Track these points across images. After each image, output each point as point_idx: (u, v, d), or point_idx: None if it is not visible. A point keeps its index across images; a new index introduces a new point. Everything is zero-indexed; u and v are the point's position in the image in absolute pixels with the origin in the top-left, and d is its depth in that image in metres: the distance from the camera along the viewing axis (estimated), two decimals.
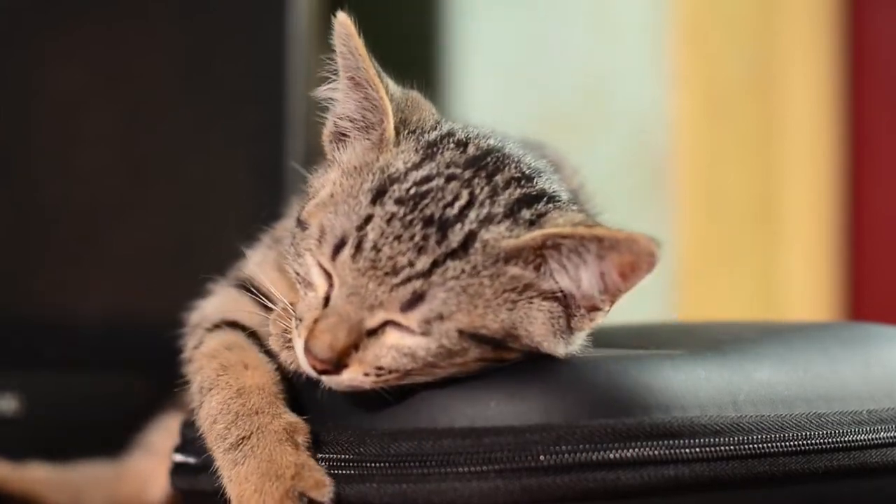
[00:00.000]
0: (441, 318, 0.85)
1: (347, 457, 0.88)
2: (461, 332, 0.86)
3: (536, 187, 0.91)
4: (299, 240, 0.91)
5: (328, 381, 0.88)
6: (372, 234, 0.86)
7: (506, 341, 0.87)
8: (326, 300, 0.88)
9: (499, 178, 0.90)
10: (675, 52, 2.18)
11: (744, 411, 0.90)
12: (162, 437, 1.27)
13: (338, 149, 0.95)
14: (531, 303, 0.88)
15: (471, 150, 0.92)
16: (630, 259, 0.86)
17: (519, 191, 0.90)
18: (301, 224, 0.92)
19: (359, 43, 0.92)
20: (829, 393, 0.95)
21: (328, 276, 0.88)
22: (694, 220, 2.20)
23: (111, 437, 1.34)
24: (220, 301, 1.03)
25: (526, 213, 0.89)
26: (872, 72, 2.36)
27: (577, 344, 0.91)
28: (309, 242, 0.90)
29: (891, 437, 0.94)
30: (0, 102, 1.57)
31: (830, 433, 0.92)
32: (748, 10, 2.26)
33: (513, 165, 0.92)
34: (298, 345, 0.88)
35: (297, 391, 0.93)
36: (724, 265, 2.24)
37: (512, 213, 0.88)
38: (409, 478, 0.87)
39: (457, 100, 2.20)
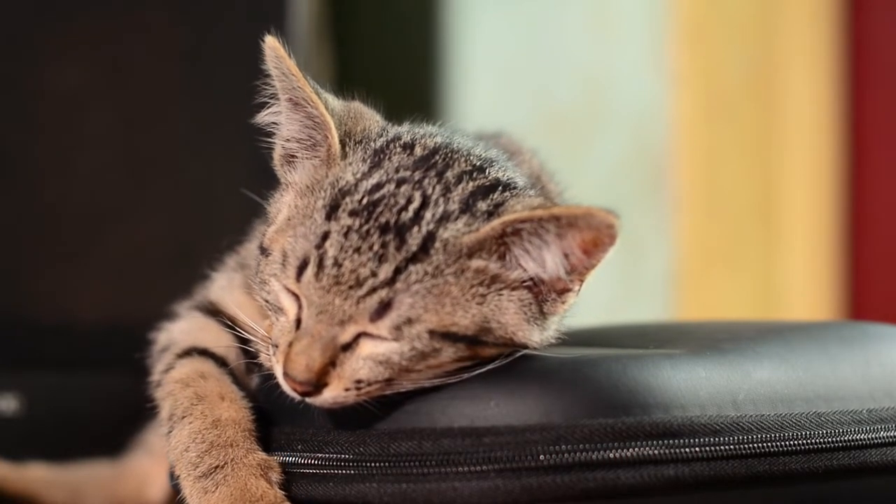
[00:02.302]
0: (410, 321, 0.85)
1: (347, 456, 0.88)
2: (432, 333, 0.86)
3: (489, 177, 0.91)
4: (263, 266, 0.91)
5: (312, 401, 0.88)
6: (331, 250, 0.86)
7: (479, 336, 0.87)
8: (298, 322, 0.88)
9: (449, 175, 0.90)
10: (675, 52, 2.18)
11: (743, 410, 0.90)
12: (161, 438, 1.27)
13: (289, 171, 0.95)
14: (500, 294, 0.88)
15: (418, 150, 0.92)
16: (591, 234, 0.86)
17: (472, 184, 0.90)
18: (264, 251, 0.92)
19: (290, 63, 0.92)
20: (828, 392, 0.95)
21: (296, 298, 0.88)
22: (694, 220, 2.20)
23: (111, 437, 1.34)
24: (188, 326, 1.03)
25: (482, 205, 0.89)
26: (872, 72, 2.36)
27: (551, 330, 0.91)
28: (273, 268, 0.90)
29: (890, 437, 0.94)
30: (1, 102, 1.57)
31: (830, 432, 0.92)
32: (748, 10, 2.26)
33: (462, 159, 0.92)
34: (278, 371, 0.88)
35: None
36: (724, 265, 2.24)
37: (468, 207, 0.88)
38: (408, 477, 0.87)
39: (456, 100, 2.20)
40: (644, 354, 0.92)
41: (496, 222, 0.87)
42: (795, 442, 0.90)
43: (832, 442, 0.92)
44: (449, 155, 0.92)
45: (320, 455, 0.89)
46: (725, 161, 2.24)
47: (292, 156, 0.95)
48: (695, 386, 0.89)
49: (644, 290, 2.19)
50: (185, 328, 1.03)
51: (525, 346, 0.89)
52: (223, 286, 1.04)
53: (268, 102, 0.95)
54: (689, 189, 2.19)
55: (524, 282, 0.88)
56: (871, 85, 2.36)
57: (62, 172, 1.57)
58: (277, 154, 0.96)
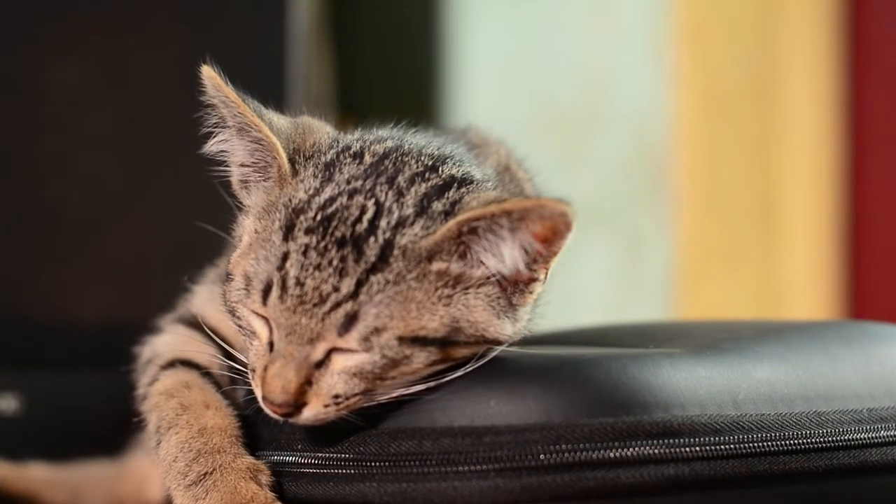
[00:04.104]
0: (378, 331, 0.85)
1: (348, 456, 0.88)
2: (401, 339, 0.86)
3: (443, 175, 0.91)
4: (228, 294, 0.91)
5: (294, 421, 0.88)
6: (292, 270, 0.86)
7: (450, 337, 0.87)
8: (271, 345, 0.88)
9: (401, 179, 0.90)
10: (675, 51, 2.18)
11: (744, 410, 0.90)
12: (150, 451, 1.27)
13: (246, 195, 0.95)
14: (466, 293, 0.88)
15: (367, 158, 0.92)
16: (547, 224, 0.86)
17: (424, 185, 0.89)
18: (228, 276, 0.92)
19: (229, 91, 0.92)
20: (828, 391, 0.95)
21: (266, 321, 0.88)
22: (694, 220, 2.20)
23: (111, 437, 1.34)
24: (172, 338, 1.03)
25: (438, 206, 0.88)
26: (872, 72, 2.36)
27: (524, 320, 0.91)
28: (238, 294, 0.90)
29: (890, 436, 0.94)
30: (1, 102, 1.57)
31: (830, 432, 0.92)
32: (748, 10, 2.26)
33: (413, 161, 0.91)
34: (258, 394, 0.88)
35: None
36: (724, 265, 2.24)
37: (423, 209, 0.88)
38: (409, 477, 0.87)
39: (456, 101, 2.20)
40: (644, 354, 0.92)
41: (451, 223, 0.86)
42: (795, 441, 0.90)
43: (832, 441, 0.92)
44: (399, 158, 0.92)
45: (320, 454, 0.89)
46: (725, 161, 2.24)
47: (247, 180, 0.95)
48: (695, 385, 0.89)
49: (644, 290, 2.19)
50: (168, 340, 1.03)
51: (499, 342, 0.89)
52: (205, 299, 1.04)
53: (213, 131, 0.95)
54: (689, 189, 2.19)
55: (489, 278, 0.88)
56: (871, 85, 2.36)
57: (62, 172, 1.57)
58: (235, 180, 0.96)
